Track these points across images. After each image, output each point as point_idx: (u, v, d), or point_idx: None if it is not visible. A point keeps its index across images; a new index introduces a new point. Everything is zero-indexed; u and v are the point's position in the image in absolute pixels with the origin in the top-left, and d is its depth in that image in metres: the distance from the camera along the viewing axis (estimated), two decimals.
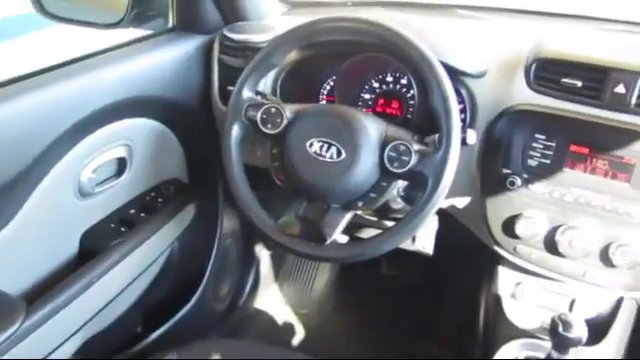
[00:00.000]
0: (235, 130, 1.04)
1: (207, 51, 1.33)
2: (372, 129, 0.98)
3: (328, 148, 0.98)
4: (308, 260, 1.92)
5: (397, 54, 0.99)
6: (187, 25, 1.34)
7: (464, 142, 1.03)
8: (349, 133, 0.97)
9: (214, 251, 1.57)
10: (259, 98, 1.06)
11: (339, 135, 0.98)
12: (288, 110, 1.02)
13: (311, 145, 0.99)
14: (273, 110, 1.02)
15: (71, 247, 1.18)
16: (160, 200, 1.34)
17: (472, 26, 1.35)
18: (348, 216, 1.02)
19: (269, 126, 1.02)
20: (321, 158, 0.98)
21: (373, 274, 1.80)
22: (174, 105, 1.30)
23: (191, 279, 1.55)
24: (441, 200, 0.94)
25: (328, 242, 0.99)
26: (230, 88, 1.08)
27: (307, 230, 1.02)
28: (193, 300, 1.53)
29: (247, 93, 1.05)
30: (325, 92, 1.32)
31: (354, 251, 0.99)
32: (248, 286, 1.83)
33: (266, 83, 1.26)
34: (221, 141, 1.05)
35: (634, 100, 0.99)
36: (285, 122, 1.02)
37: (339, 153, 0.97)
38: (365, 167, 0.97)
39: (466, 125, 1.13)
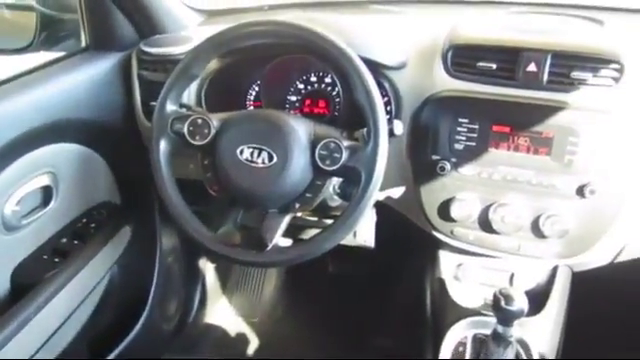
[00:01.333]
0: (163, 145, 1.02)
1: (125, 68, 1.29)
2: (301, 130, 0.98)
3: (259, 153, 0.97)
4: (254, 268, 1.91)
5: (317, 53, 1.00)
6: (101, 43, 1.31)
7: (392, 133, 1.05)
8: (278, 136, 0.97)
9: (156, 270, 1.54)
10: (184, 110, 1.05)
11: (269, 139, 0.98)
12: (215, 119, 1.01)
13: (242, 152, 0.98)
14: (199, 121, 1.01)
15: (1, 285, 1.12)
16: (93, 225, 1.30)
17: (388, 19, 1.37)
18: (287, 219, 1.02)
19: (197, 138, 1.01)
20: (253, 164, 0.98)
21: (320, 274, 1.81)
22: (96, 126, 1.26)
23: (136, 302, 1.51)
24: (376, 192, 0.95)
25: (270, 247, 0.99)
26: (153, 103, 1.06)
27: (247, 238, 1.02)
28: (140, 323, 1.49)
29: (171, 106, 1.03)
30: (251, 98, 1.31)
31: (297, 253, 0.99)
32: (196, 302, 1.80)
33: (190, 95, 1.25)
34: (150, 157, 1.03)
35: (545, 77, 1.04)
36: (213, 132, 1.00)
37: (270, 157, 0.97)
38: (298, 168, 0.97)
39: (392, 116, 1.15)
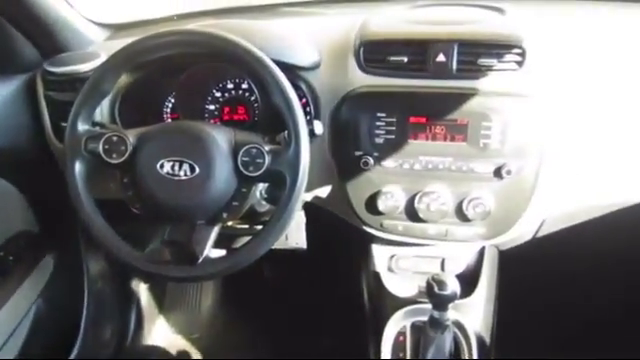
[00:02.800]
0: (78, 167, 0.98)
1: (30, 90, 1.23)
2: (221, 138, 0.97)
3: (180, 166, 0.95)
4: (190, 283, 1.87)
5: (229, 60, 0.99)
6: (1, 66, 1.24)
7: (313, 133, 1.06)
8: (198, 147, 0.96)
9: (86, 298, 1.48)
10: (97, 129, 1.01)
11: (189, 151, 0.96)
12: (131, 135, 0.98)
13: (162, 166, 0.96)
14: (115, 138, 0.97)
15: None
16: (11, 258, 1.23)
17: (299, 21, 1.38)
18: (216, 230, 1.01)
19: (114, 156, 0.97)
20: (175, 178, 0.95)
21: (256, 281, 1.79)
22: (5, 153, 1.19)
23: (67, 333, 1.44)
24: (302, 194, 0.95)
25: (201, 260, 0.97)
26: (64, 124, 1.02)
27: (178, 253, 1.00)
28: (74, 353, 1.43)
29: (83, 126, 0.99)
30: (168, 110, 1.28)
31: (229, 262, 0.98)
32: (132, 325, 1.74)
33: (102, 112, 1.20)
34: (66, 181, 0.99)
35: (454, 66, 1.07)
36: (130, 148, 0.97)
37: (192, 169, 0.95)
38: (222, 177, 0.96)
39: (312, 117, 1.16)
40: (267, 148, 0.95)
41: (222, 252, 1.01)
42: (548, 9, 1.32)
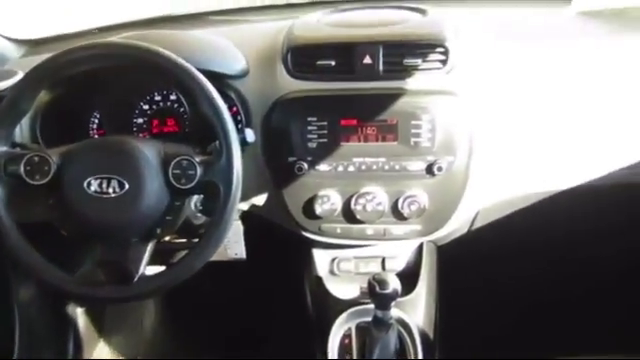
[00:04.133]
0: None
1: None
2: (149, 152, 0.95)
3: (109, 183, 0.93)
4: (129, 304, 1.81)
5: (155, 71, 0.97)
6: None
7: (244, 142, 1.04)
8: (126, 162, 0.93)
9: (17, 328, 1.40)
10: (18, 150, 0.97)
11: (116, 167, 0.93)
12: (54, 155, 0.95)
13: (89, 185, 0.93)
14: (36, 159, 0.93)
15: None
16: None
17: (226, 30, 1.37)
18: (151, 246, 0.98)
19: (37, 177, 0.93)
20: (104, 195, 0.93)
21: (198, 296, 1.75)
22: None
23: None
24: (237, 203, 0.94)
25: (136, 279, 0.95)
26: None
27: (112, 273, 0.97)
28: None
29: (1, 147, 0.94)
30: (94, 127, 1.24)
31: (165, 279, 0.95)
32: (70, 352, 1.66)
33: (22, 132, 1.16)
34: None
35: (381, 67, 1.09)
36: (54, 168, 0.94)
37: (121, 185, 0.92)
38: (152, 192, 0.93)
39: (243, 125, 1.15)
40: (198, 159, 0.93)
41: (157, 269, 0.99)
42: (469, 10, 1.36)
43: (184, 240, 1.27)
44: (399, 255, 1.28)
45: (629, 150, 1.15)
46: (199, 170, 0.93)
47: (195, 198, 1.04)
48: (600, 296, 1.68)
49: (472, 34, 1.17)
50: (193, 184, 0.93)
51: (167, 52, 0.94)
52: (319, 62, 1.10)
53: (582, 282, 1.65)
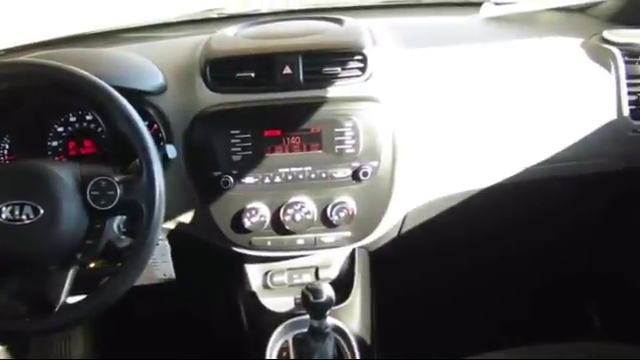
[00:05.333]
0: None
1: None
2: (64, 174, 0.91)
3: (21, 209, 0.88)
4: (53, 334, 1.72)
5: (68, 90, 0.94)
6: None
7: (166, 158, 1.02)
8: (40, 187, 0.89)
9: None
10: None
11: (29, 192, 0.89)
12: None
13: (0, 213, 0.87)
14: None
15: None
16: None
17: (142, 46, 1.33)
18: (72, 273, 0.94)
19: None
20: (17, 223, 0.88)
21: (128, 321, 1.69)
22: None
23: None
24: (161, 222, 0.91)
25: (58, 308, 0.90)
26: None
27: (32, 304, 0.92)
28: None
29: None
30: (5, 152, 1.18)
31: (89, 306, 0.91)
32: None
33: None
34: None
35: (301, 77, 1.09)
36: None
37: (36, 211, 0.88)
38: (70, 216, 0.89)
39: (164, 141, 1.12)
40: (118, 178, 0.90)
41: (81, 297, 0.95)
42: (384, 19, 1.39)
43: (110, 264, 1.22)
44: (332, 263, 1.28)
45: (542, 147, 1.20)
46: (119, 190, 0.90)
47: (118, 219, 1.00)
48: (528, 288, 1.75)
49: (388, 42, 1.19)
50: (113, 205, 0.90)
51: (79, 70, 0.91)
52: (239, 74, 1.09)
53: (510, 276, 1.70)
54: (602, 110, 1.18)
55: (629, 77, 1.17)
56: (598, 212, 1.48)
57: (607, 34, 1.21)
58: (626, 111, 1.18)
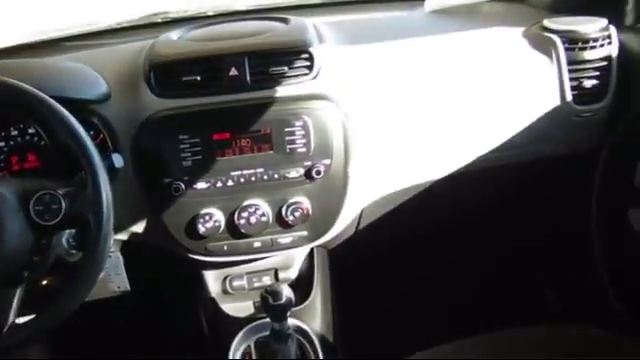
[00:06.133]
0: None
1: None
2: (4, 190, 0.87)
3: None
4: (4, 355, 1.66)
5: (7, 104, 0.91)
6: None
7: (113, 168, 1.00)
8: None
9: None
10: None
11: None
12: None
13: None
14: None
15: None
16: None
17: (82, 54, 1.29)
18: (20, 292, 0.90)
19: None
20: None
21: (87, 336, 1.64)
22: None
23: None
24: (111, 234, 0.89)
25: (6, 329, 0.87)
26: None
27: None
28: None
29: None
30: None
31: (38, 325, 0.88)
32: None
33: None
34: None
35: (248, 78, 1.07)
36: None
37: None
38: (12, 233, 0.86)
39: (111, 150, 1.09)
40: (62, 192, 0.88)
41: (30, 316, 0.91)
42: (329, 18, 1.39)
43: (62, 280, 1.18)
44: (291, 264, 1.28)
45: (490, 135, 1.22)
46: (64, 203, 0.87)
47: (67, 234, 0.97)
48: (487, 276, 1.77)
49: (335, 39, 1.19)
50: (59, 219, 0.87)
51: (17, 82, 0.88)
52: (184, 78, 1.07)
53: (469, 264, 1.73)
54: (546, 97, 1.21)
55: (570, 63, 1.20)
56: (550, 196, 1.51)
57: (547, 22, 1.24)
58: (569, 96, 1.20)
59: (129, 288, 1.22)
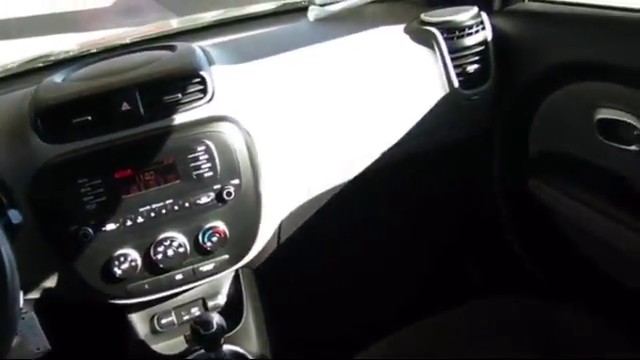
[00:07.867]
0: None
1: None
2: None
3: None
4: None
5: None
6: None
7: (10, 225, 0.94)
8: None
9: None
10: None
11: None
12: None
13: None
14: None
15: None
16: None
17: None
18: None
19: None
20: None
21: None
22: None
23: None
24: (18, 295, 0.83)
25: None
26: None
27: None
28: None
29: None
30: None
31: None
32: None
33: None
34: None
35: (142, 110, 1.05)
36: None
37: None
38: None
39: (6, 207, 1.03)
40: None
41: None
42: (216, 40, 1.38)
43: None
44: (218, 291, 1.26)
45: (389, 131, 1.26)
46: None
47: None
48: (413, 267, 1.81)
49: (225, 59, 1.19)
50: None
51: None
52: (75, 120, 1.03)
53: (394, 258, 1.76)
54: (435, 86, 1.26)
55: (451, 52, 1.26)
56: (460, 177, 1.58)
57: (425, 17, 1.30)
58: (456, 83, 1.26)
59: (49, 347, 1.16)
